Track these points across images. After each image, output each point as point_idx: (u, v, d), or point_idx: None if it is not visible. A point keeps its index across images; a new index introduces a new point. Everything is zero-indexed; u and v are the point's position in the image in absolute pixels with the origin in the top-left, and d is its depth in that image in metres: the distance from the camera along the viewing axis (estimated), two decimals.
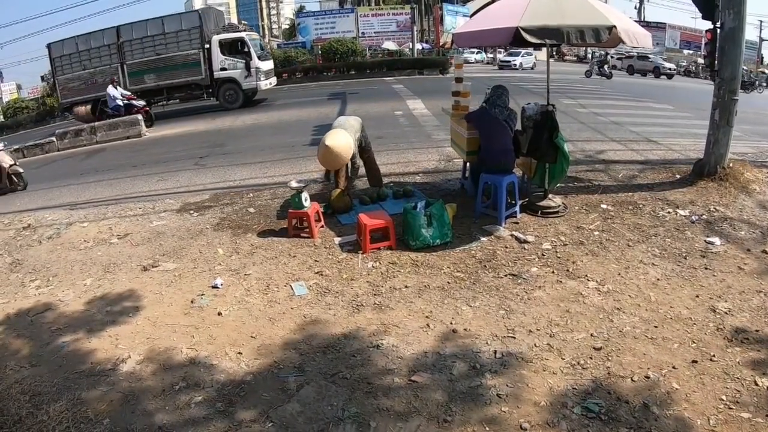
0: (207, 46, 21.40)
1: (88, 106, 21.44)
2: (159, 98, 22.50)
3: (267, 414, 3.63)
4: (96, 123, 18.40)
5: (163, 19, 22.53)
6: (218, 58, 21.46)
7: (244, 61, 21.49)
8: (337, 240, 6.65)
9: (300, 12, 59.53)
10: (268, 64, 23.61)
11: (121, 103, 18.84)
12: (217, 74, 21.64)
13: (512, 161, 7.00)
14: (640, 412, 3.49)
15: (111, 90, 18.94)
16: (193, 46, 21.40)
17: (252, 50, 21.69)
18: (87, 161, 14.55)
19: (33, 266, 6.63)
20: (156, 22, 21.97)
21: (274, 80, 24.29)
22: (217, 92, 21.98)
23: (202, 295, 5.45)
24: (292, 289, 5.47)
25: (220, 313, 5.06)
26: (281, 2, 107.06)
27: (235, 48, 21.81)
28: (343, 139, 7.00)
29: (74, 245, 7.20)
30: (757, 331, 4.41)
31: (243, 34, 22.57)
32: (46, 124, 31.94)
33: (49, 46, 22.12)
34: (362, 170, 7.83)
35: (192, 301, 5.33)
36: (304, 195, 6.75)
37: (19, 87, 53.27)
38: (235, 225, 7.39)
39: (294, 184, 6.88)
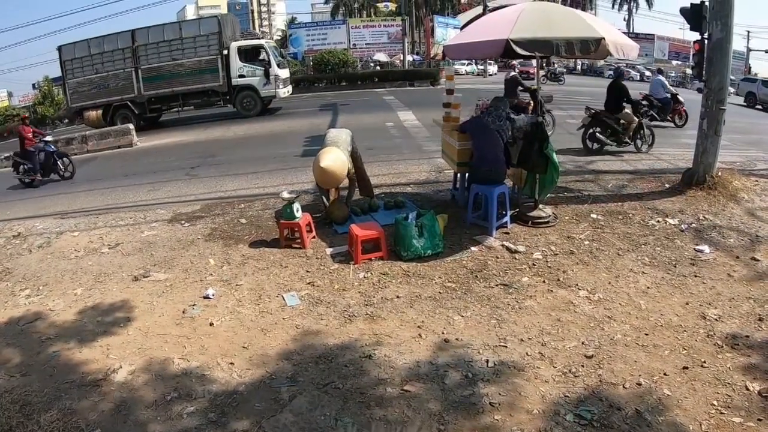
0: (225, 52, 21.07)
1: (99, 111, 21.27)
2: (174, 104, 22.06)
3: (260, 424, 3.62)
4: (87, 132, 18.26)
5: (180, 24, 22.38)
6: (237, 64, 21.12)
7: (263, 68, 21.16)
8: (329, 251, 6.65)
9: (291, 23, 59.87)
10: (286, 72, 23.29)
11: (669, 95, 15.57)
12: (235, 81, 21.27)
13: (503, 171, 7.02)
14: (633, 418, 3.51)
15: (662, 79, 15.85)
16: (211, 52, 21.02)
17: (271, 57, 21.43)
18: (78, 170, 14.46)
19: (23, 275, 6.59)
20: (173, 26, 21.76)
21: (290, 88, 23.96)
22: (234, 99, 21.61)
23: (193, 305, 5.43)
24: (284, 299, 5.46)
25: (211, 324, 5.04)
26: (273, 13, 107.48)
27: (253, 55, 21.53)
28: (339, 159, 7.02)
29: (64, 254, 7.16)
30: (747, 336, 4.46)
31: (263, 41, 22.45)
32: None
33: (60, 48, 21.64)
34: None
35: (183, 312, 5.31)
36: (296, 206, 6.76)
37: (9, 94, 53.06)
38: (226, 235, 7.38)
39: (285, 194, 6.89)
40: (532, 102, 12.73)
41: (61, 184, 12.95)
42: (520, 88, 13.18)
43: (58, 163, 13.49)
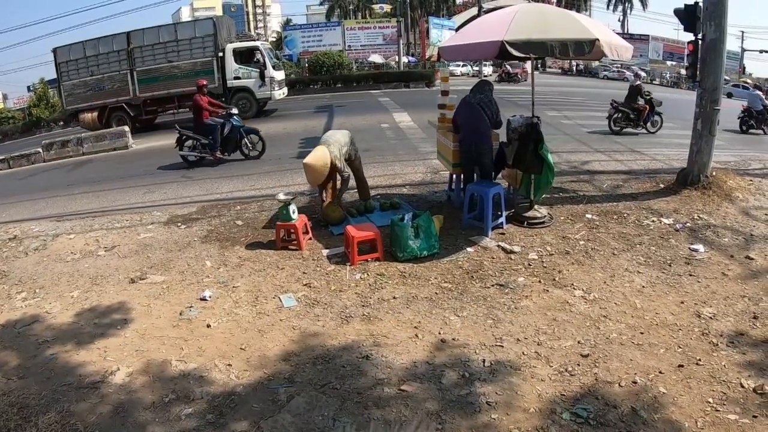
0: (220, 54, 21.01)
1: (95, 113, 21.10)
2: (170, 106, 21.93)
3: (258, 425, 3.63)
4: (83, 134, 18.20)
5: (176, 26, 22.36)
6: (232, 66, 21.07)
7: (258, 70, 21.11)
8: (325, 252, 6.66)
9: (287, 25, 59.82)
10: (281, 74, 23.28)
11: (763, 107, 17.75)
12: (231, 83, 21.22)
13: (485, 146, 7.12)
14: (629, 416, 3.53)
15: (759, 94, 18.43)
16: (207, 54, 20.94)
17: (267, 59, 21.39)
18: (73, 173, 14.48)
19: (19, 278, 6.59)
20: (169, 28, 21.70)
21: (285, 90, 23.92)
22: (229, 101, 21.06)
23: (190, 307, 5.44)
24: (280, 300, 5.47)
25: (209, 325, 5.05)
26: (268, 15, 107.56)
27: (248, 57, 21.47)
28: (319, 156, 7.04)
29: (61, 257, 7.16)
30: (741, 334, 4.49)
31: (258, 43, 22.40)
32: (32, 134, 31.69)
33: (54, 50, 21.52)
34: (352, 182, 7.83)
35: (180, 314, 5.32)
36: (292, 207, 6.77)
37: (4, 97, 52.88)
38: (222, 237, 7.38)
39: (281, 196, 6.89)
40: (647, 107, 14.88)
41: (247, 164, 12.48)
42: (639, 96, 15.18)
43: (245, 139, 12.78)
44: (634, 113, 15.03)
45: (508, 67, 41.80)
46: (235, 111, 13.06)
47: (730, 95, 39.04)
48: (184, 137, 12.55)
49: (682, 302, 5.10)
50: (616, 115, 15.09)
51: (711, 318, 4.79)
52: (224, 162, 12.62)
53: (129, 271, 6.51)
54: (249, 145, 12.88)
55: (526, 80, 38.26)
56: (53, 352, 4.76)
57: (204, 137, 12.42)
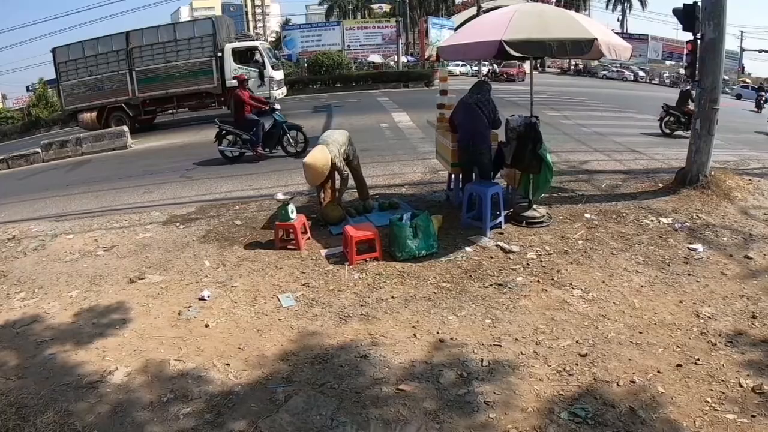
0: (219, 54, 20.96)
1: (94, 114, 21.13)
2: (168, 106, 21.98)
3: (256, 424, 3.63)
4: (81, 135, 18.19)
5: (175, 26, 22.35)
6: (231, 66, 20.94)
7: (257, 70, 20.97)
8: (324, 252, 6.66)
9: (286, 24, 59.85)
10: (280, 74, 23.24)
11: None
12: (230, 83, 20.77)
13: (484, 146, 7.11)
14: (627, 415, 3.53)
15: None
16: (206, 54, 20.92)
17: (266, 59, 21.32)
18: (72, 173, 14.46)
19: (18, 278, 6.58)
20: (168, 28, 21.66)
21: (284, 90, 23.86)
22: (228, 101, 21.08)
23: (189, 307, 5.44)
24: (279, 300, 5.47)
25: (207, 325, 5.05)
26: (267, 15, 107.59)
27: (247, 56, 21.42)
28: (319, 156, 7.03)
29: (60, 257, 7.16)
30: (740, 334, 4.49)
31: (257, 43, 22.37)
32: (31, 135, 31.63)
33: (54, 50, 21.50)
34: (351, 182, 7.82)
35: (179, 313, 5.32)
36: (291, 207, 6.77)
37: (3, 97, 52.79)
38: (221, 237, 7.38)
39: (280, 196, 6.89)
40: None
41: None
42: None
43: (288, 135, 12.55)
44: (685, 117, 15.16)
45: (495, 67, 42.26)
46: (277, 106, 12.93)
47: (739, 96, 39.21)
48: (223, 132, 12.37)
49: (681, 302, 5.10)
50: (667, 118, 15.45)
51: (710, 317, 4.79)
52: (265, 158, 12.51)
53: (128, 271, 6.50)
54: (291, 141, 12.67)
55: (523, 80, 38.40)
56: (52, 351, 4.76)
57: (245, 132, 12.28)
